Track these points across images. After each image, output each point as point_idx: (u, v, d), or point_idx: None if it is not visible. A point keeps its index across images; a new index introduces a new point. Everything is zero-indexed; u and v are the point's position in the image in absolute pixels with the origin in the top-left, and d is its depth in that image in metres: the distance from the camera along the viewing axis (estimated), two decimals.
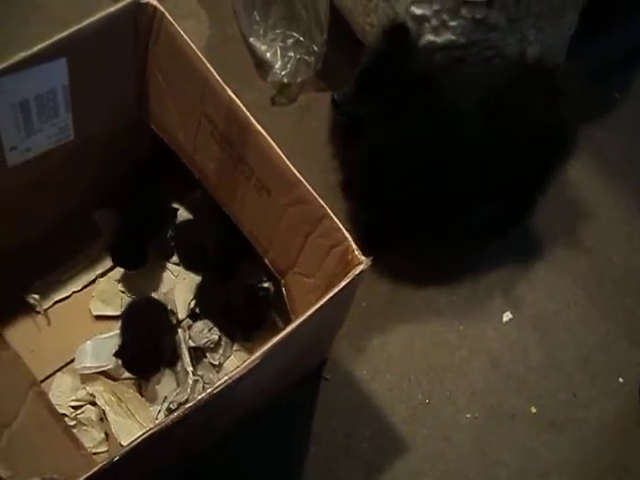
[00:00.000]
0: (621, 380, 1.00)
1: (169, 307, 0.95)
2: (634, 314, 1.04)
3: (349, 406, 0.95)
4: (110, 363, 0.91)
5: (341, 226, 0.70)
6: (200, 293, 0.96)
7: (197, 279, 0.98)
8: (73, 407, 0.90)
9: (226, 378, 0.62)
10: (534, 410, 0.97)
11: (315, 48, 1.09)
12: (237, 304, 0.90)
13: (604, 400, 0.98)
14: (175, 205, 1.02)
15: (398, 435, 0.94)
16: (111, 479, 0.63)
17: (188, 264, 0.99)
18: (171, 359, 0.93)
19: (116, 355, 0.89)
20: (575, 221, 1.10)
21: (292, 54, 1.09)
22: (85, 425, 0.89)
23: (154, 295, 0.97)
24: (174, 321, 0.95)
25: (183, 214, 1.02)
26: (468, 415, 0.96)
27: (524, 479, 0.94)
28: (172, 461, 0.82)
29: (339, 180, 0.95)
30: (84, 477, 0.58)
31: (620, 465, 0.95)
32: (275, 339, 0.63)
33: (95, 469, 0.59)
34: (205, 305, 0.95)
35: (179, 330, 0.94)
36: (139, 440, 0.60)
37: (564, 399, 0.98)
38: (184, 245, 0.99)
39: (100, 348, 0.92)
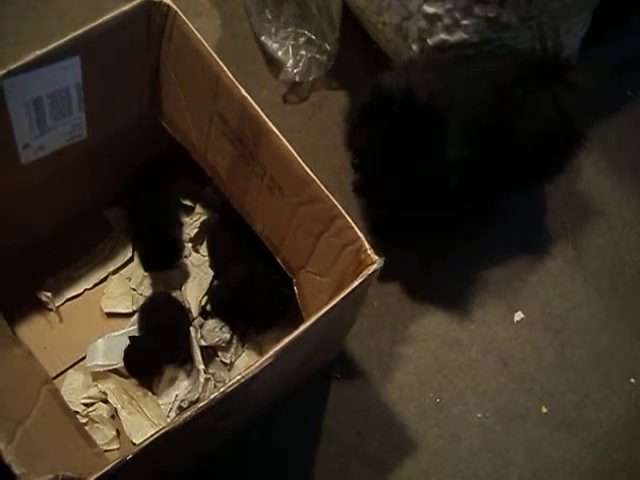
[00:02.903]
0: (632, 380, 0.99)
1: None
2: None
3: (360, 405, 0.95)
4: (121, 361, 0.91)
5: (354, 225, 0.70)
6: (214, 291, 0.96)
7: (209, 277, 0.98)
8: (85, 404, 0.91)
9: (239, 377, 0.62)
10: (545, 410, 0.97)
11: (327, 47, 1.09)
12: (260, 302, 0.91)
13: (615, 400, 0.98)
14: (188, 202, 1.02)
15: (408, 434, 0.94)
16: (124, 477, 0.63)
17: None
18: (183, 358, 0.93)
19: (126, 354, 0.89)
20: (587, 219, 1.09)
21: (304, 52, 1.09)
22: (97, 422, 0.90)
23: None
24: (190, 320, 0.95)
25: (198, 211, 1.02)
26: (479, 414, 0.96)
27: (534, 479, 0.93)
28: (184, 458, 0.82)
29: (352, 179, 0.95)
30: (98, 475, 0.59)
31: (631, 465, 0.95)
32: (287, 338, 0.63)
33: (108, 467, 0.59)
34: (218, 304, 0.96)
35: (191, 328, 0.94)
36: (152, 439, 0.60)
37: (575, 399, 0.98)
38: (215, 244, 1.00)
39: (111, 346, 0.92)
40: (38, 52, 0.72)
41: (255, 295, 0.92)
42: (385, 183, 0.86)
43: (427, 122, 0.82)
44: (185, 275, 0.98)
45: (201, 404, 0.61)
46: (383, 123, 0.83)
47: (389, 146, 0.83)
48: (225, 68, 0.76)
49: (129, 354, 0.89)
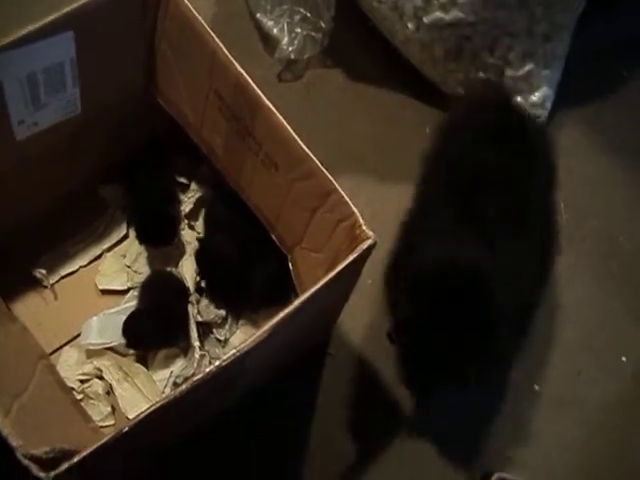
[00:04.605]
0: (624, 359, 1.00)
1: None
2: (639, 294, 1.04)
3: (354, 382, 0.96)
4: (115, 340, 0.91)
5: (348, 200, 0.70)
6: (206, 270, 0.96)
7: None
8: (80, 381, 0.91)
9: (234, 351, 0.62)
10: (537, 388, 0.98)
11: (322, 24, 1.08)
12: (254, 281, 0.91)
13: (607, 379, 0.99)
14: (184, 180, 1.02)
15: (403, 412, 0.95)
16: (119, 450, 0.64)
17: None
18: (182, 338, 0.93)
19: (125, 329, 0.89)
20: (581, 199, 1.09)
21: (299, 30, 1.09)
22: (92, 399, 0.90)
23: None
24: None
25: (194, 188, 1.02)
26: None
27: (526, 456, 0.94)
28: (178, 434, 0.83)
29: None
30: (94, 447, 0.59)
31: (623, 443, 0.95)
32: (282, 313, 0.64)
33: (104, 440, 0.59)
34: (210, 282, 0.96)
35: (188, 305, 0.94)
36: (147, 413, 0.60)
37: (567, 377, 0.98)
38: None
39: (106, 324, 0.92)
40: (32, 27, 0.72)
41: (249, 273, 0.92)
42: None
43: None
44: (181, 252, 0.98)
45: (196, 377, 0.62)
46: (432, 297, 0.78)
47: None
48: (221, 44, 0.76)
49: (129, 326, 0.89)
